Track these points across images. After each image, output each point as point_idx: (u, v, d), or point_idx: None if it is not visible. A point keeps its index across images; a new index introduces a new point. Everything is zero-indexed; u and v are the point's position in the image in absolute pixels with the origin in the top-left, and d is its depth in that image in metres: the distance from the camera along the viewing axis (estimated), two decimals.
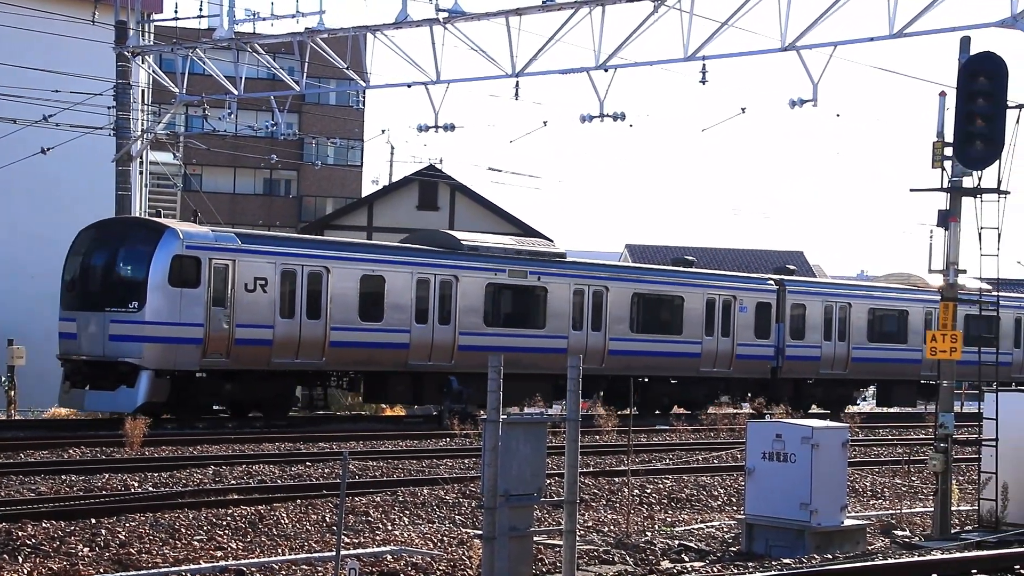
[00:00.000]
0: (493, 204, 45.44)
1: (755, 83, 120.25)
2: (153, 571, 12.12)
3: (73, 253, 27.10)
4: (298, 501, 16.32)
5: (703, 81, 23.05)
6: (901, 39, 20.90)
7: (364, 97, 62.10)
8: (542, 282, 31.43)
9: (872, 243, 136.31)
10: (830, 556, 13.46)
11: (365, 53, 26.86)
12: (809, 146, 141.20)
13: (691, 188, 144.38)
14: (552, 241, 35.93)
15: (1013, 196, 15.65)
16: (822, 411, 36.72)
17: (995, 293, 17.19)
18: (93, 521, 14.32)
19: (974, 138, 14.85)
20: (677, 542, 14.29)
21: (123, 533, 13.72)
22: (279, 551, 13.47)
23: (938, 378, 15.88)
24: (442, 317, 29.63)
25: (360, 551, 13.19)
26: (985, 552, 13.72)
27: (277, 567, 12.30)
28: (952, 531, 15.45)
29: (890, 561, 13.08)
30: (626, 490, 17.67)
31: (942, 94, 15.63)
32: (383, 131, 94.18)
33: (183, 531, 14.07)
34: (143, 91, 33.45)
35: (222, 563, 12.44)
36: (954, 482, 16.58)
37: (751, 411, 32.88)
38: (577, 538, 11.62)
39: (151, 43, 32.88)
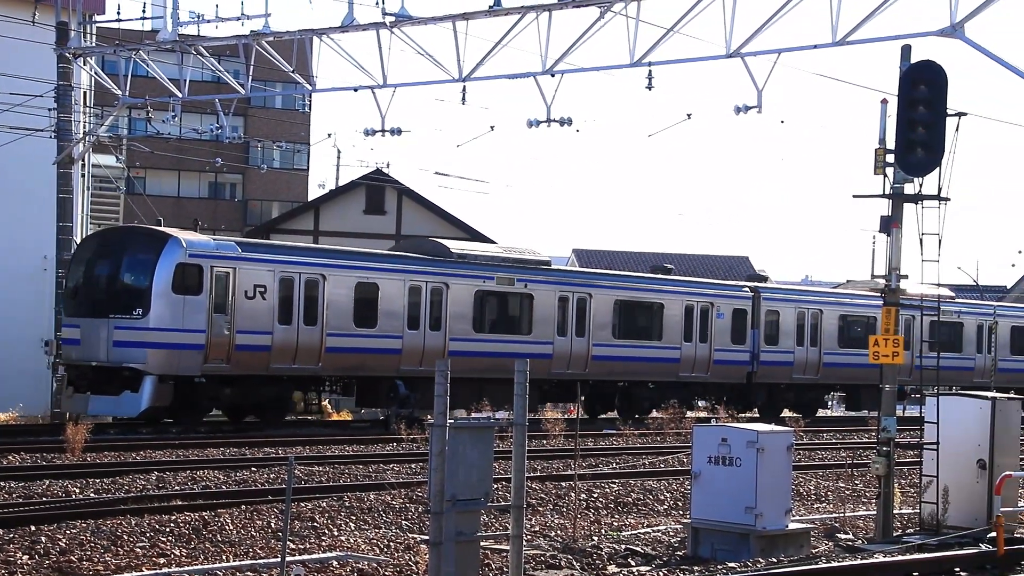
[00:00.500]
0: (440, 208, 45.40)
1: (701, 89, 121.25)
2: None
3: (76, 261, 27.90)
4: (243, 507, 16.18)
5: (649, 87, 23.19)
6: (844, 47, 21.14)
7: (310, 101, 61.85)
8: (528, 289, 32.27)
9: (816, 248, 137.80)
10: (775, 559, 13.55)
11: (311, 56, 26.77)
12: (754, 152, 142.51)
13: (638, 193, 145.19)
14: (538, 251, 36.44)
15: (953, 202, 15.89)
16: (795, 415, 37.67)
17: (935, 299, 17.41)
18: (32, 528, 14.12)
19: (915, 145, 15.04)
20: (623, 546, 14.33)
21: (64, 540, 13.54)
22: (223, 557, 13.36)
23: (880, 382, 16.05)
24: (433, 323, 30.38)
25: (306, 557, 13.11)
26: (926, 555, 13.88)
27: (222, 573, 12.20)
28: (894, 534, 15.62)
29: (833, 564, 13.19)
30: (573, 494, 17.71)
31: (884, 101, 15.82)
32: (329, 135, 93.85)
33: (125, 538, 13.91)
34: (85, 93, 33.03)
35: (165, 570, 12.32)
36: (896, 485, 16.76)
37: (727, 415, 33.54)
38: (524, 543, 11.62)
39: (93, 44, 32.49)
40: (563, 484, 19.14)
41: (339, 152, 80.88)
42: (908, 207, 15.74)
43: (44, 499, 16.56)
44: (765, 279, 41.78)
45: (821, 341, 38.28)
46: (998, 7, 19.68)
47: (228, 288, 26.83)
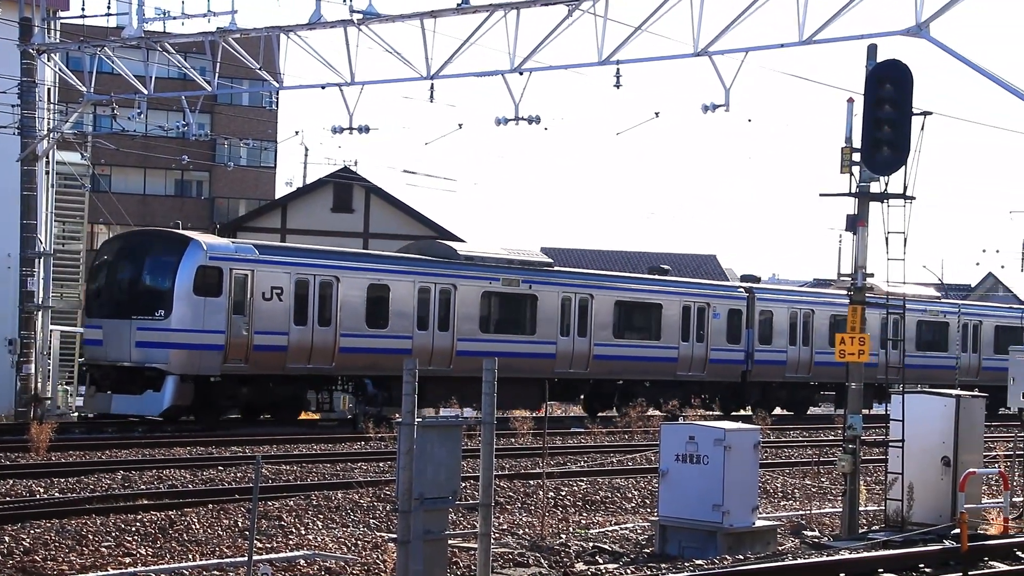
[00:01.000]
0: (408, 206, 45.36)
1: (668, 87, 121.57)
2: None
3: (98, 263, 28.74)
4: (209, 506, 16.10)
5: (617, 85, 23.19)
6: (811, 46, 21.22)
7: (277, 98, 61.35)
8: (533, 290, 32.96)
9: (783, 247, 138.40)
10: (741, 557, 13.61)
11: (278, 54, 26.67)
12: (722, 150, 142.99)
13: (606, 191, 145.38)
14: (537, 252, 36.86)
15: (918, 201, 15.99)
16: (787, 412, 38.50)
17: (901, 297, 17.52)
18: None
19: (881, 144, 15.14)
20: (591, 544, 14.35)
21: (28, 540, 13.43)
22: (190, 557, 13.28)
23: (847, 379, 16.15)
24: (441, 324, 31.05)
25: (273, 556, 13.06)
26: (891, 552, 13.98)
27: (188, 573, 12.13)
28: (860, 531, 15.72)
29: (799, 561, 13.27)
30: (541, 493, 17.72)
31: (850, 100, 15.91)
32: (297, 132, 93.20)
33: (90, 537, 13.81)
34: (49, 89, 32.69)
35: (131, 569, 12.24)
36: (862, 483, 16.87)
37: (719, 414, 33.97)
38: (492, 541, 11.62)
39: (57, 41, 32.19)
40: (531, 482, 19.15)
41: (306, 150, 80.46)
42: (874, 206, 15.84)
43: (7, 499, 16.42)
44: (758, 279, 42.49)
45: (813, 340, 38.97)
46: (963, 7, 19.82)
47: (246, 290, 27.65)
